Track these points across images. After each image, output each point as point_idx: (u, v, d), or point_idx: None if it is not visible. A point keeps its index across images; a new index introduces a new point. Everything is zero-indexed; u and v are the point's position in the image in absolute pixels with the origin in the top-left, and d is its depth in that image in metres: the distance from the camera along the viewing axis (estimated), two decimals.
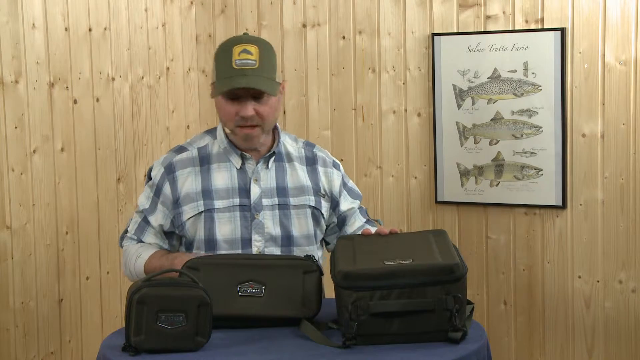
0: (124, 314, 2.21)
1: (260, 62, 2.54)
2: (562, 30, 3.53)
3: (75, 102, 3.43)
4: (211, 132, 2.71)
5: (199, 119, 4.07)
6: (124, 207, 3.67)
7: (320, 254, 2.72)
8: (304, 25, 3.98)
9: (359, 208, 2.80)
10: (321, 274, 2.45)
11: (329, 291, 2.48)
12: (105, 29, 3.57)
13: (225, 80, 2.53)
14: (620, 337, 3.59)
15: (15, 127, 3.17)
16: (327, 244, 2.81)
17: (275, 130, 2.69)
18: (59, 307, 3.38)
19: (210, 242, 2.59)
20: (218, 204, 2.59)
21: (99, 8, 3.53)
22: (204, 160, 2.64)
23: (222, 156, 2.64)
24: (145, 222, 2.67)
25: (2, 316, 3.16)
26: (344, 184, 2.77)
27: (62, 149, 3.37)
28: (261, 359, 2.14)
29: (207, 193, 2.60)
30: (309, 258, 2.46)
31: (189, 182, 2.62)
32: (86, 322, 3.50)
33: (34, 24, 3.23)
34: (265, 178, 2.63)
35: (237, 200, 2.60)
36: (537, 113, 3.60)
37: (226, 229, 2.59)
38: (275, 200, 2.63)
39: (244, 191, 2.61)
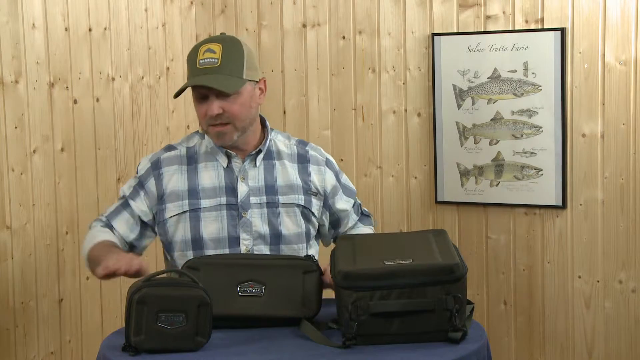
0: (124, 314, 2.21)
1: (222, 60, 2.53)
2: (562, 30, 3.53)
3: (75, 102, 3.43)
4: (200, 132, 2.72)
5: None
6: None
7: (312, 252, 2.72)
8: (304, 25, 3.98)
9: (353, 205, 2.80)
10: (321, 273, 2.45)
11: (329, 291, 2.49)
12: (105, 29, 3.57)
13: (189, 80, 2.57)
14: (620, 337, 3.59)
15: (15, 127, 3.17)
16: (325, 242, 2.82)
17: (264, 128, 2.70)
18: (59, 307, 3.38)
19: (197, 241, 2.59)
20: (204, 203, 2.60)
21: (99, 8, 3.53)
22: (192, 160, 2.65)
23: (209, 155, 2.64)
24: (123, 206, 2.67)
25: (2, 316, 3.16)
26: (338, 181, 2.77)
27: (62, 149, 3.37)
28: (261, 359, 2.14)
29: (193, 192, 2.61)
30: (309, 258, 2.47)
31: (174, 179, 2.62)
32: (86, 322, 3.50)
33: (34, 24, 3.23)
34: (253, 176, 2.63)
35: (224, 199, 2.60)
36: (537, 113, 3.60)
37: (212, 227, 2.59)
38: (264, 199, 2.63)
39: (231, 190, 2.61)
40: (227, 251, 2.58)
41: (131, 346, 2.17)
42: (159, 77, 3.88)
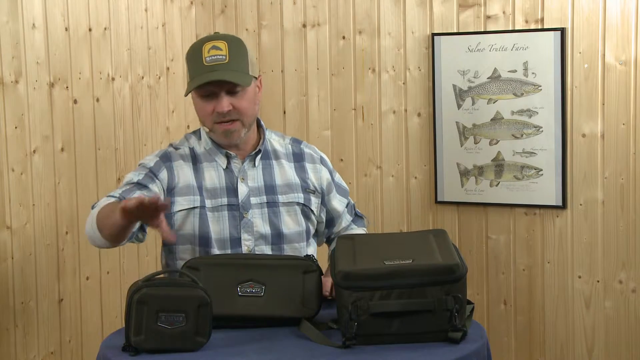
0: (124, 314, 2.21)
1: (230, 56, 2.54)
2: (562, 30, 3.53)
3: (75, 102, 3.42)
4: (195, 133, 2.72)
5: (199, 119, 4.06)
6: None
7: (311, 250, 2.72)
8: (304, 25, 3.98)
9: (346, 206, 2.81)
10: (321, 273, 2.45)
11: None
12: (105, 29, 3.57)
13: (197, 77, 2.54)
14: (620, 337, 3.59)
15: (15, 127, 3.17)
16: (317, 242, 2.82)
17: (260, 128, 2.70)
18: (59, 307, 3.38)
19: (204, 239, 2.58)
20: (207, 203, 2.59)
21: (99, 8, 3.53)
22: (195, 159, 2.64)
23: (208, 156, 2.64)
24: (138, 187, 2.54)
25: (2, 316, 3.16)
26: (332, 179, 2.77)
27: (62, 149, 3.37)
28: (261, 359, 2.14)
29: (200, 190, 2.60)
30: (309, 258, 2.47)
31: (185, 174, 2.61)
32: (86, 322, 3.50)
33: (34, 24, 3.23)
34: (252, 176, 2.63)
35: (224, 200, 2.60)
36: (537, 113, 3.60)
37: (215, 228, 2.59)
38: (264, 199, 2.63)
39: (232, 190, 2.61)
40: (229, 252, 2.58)
41: (131, 346, 2.17)
42: (159, 77, 3.88)
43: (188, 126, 4.04)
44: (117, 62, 3.63)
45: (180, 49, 4.00)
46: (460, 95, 3.72)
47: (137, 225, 2.46)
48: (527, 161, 3.64)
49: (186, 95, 2.61)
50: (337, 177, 2.81)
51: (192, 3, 4.09)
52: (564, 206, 3.61)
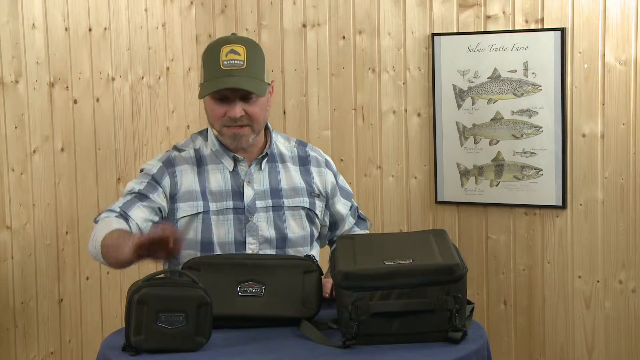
0: (124, 314, 2.21)
1: (247, 62, 2.52)
2: (562, 30, 3.53)
3: (75, 102, 3.43)
4: (202, 133, 2.69)
5: (199, 119, 4.06)
6: None
7: (314, 253, 2.71)
8: (304, 25, 3.98)
9: (350, 209, 2.80)
10: (321, 273, 2.45)
11: None
12: (105, 29, 3.57)
13: (213, 81, 2.51)
14: (620, 337, 3.59)
15: (15, 127, 3.17)
16: (320, 244, 2.82)
17: (267, 130, 2.69)
18: (59, 307, 3.38)
19: (207, 244, 2.57)
20: (212, 206, 2.58)
21: (99, 8, 3.53)
22: (200, 161, 2.62)
23: (215, 158, 2.62)
24: (139, 198, 2.53)
25: (2, 316, 3.16)
26: (337, 182, 2.77)
27: (62, 149, 3.37)
28: (261, 359, 2.14)
29: (204, 194, 2.59)
30: (309, 258, 2.46)
31: (188, 179, 2.60)
32: (86, 322, 3.50)
33: (34, 24, 3.23)
34: (258, 180, 2.62)
35: (230, 203, 2.59)
36: (537, 113, 3.60)
37: (220, 231, 2.57)
38: (270, 202, 2.62)
39: (238, 194, 2.60)
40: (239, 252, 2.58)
41: (131, 346, 2.17)
42: (159, 77, 3.88)
43: (188, 126, 4.04)
44: (117, 62, 3.63)
45: (180, 49, 4.01)
46: (460, 95, 3.72)
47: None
48: (527, 161, 3.64)
49: (200, 98, 2.55)
50: (341, 179, 2.81)
51: (192, 3, 4.09)
52: (564, 206, 3.61)
